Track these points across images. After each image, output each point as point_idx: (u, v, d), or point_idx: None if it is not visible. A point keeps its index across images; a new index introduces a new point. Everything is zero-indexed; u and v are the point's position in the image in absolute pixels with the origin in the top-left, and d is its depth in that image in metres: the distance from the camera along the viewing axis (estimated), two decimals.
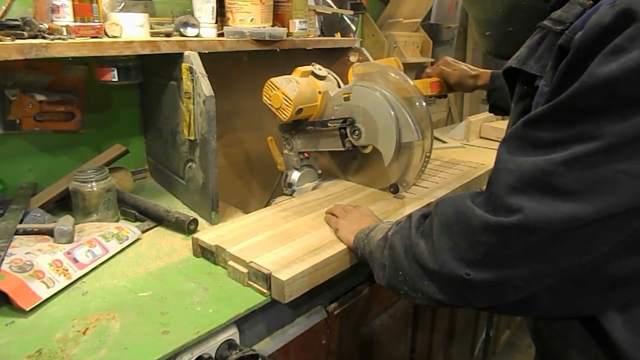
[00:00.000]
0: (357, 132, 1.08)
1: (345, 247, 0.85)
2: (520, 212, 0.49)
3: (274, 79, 1.11)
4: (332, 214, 0.95)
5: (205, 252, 0.90)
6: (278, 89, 1.09)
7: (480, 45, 0.79)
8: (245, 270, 0.80)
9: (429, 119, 1.02)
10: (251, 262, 0.79)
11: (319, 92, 1.13)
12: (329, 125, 1.12)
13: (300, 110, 1.11)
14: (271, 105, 1.12)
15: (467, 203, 0.56)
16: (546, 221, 0.48)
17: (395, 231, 0.70)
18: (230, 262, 0.83)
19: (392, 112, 1.02)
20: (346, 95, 1.11)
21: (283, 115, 1.11)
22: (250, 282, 0.80)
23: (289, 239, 0.89)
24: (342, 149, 1.13)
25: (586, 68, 0.46)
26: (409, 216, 0.70)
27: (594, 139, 0.46)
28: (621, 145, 0.44)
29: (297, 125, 1.18)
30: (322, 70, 1.17)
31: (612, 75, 0.44)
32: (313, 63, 1.18)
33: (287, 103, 1.09)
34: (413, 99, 1.02)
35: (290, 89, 1.09)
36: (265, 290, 0.77)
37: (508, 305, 0.55)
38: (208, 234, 0.91)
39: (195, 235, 0.91)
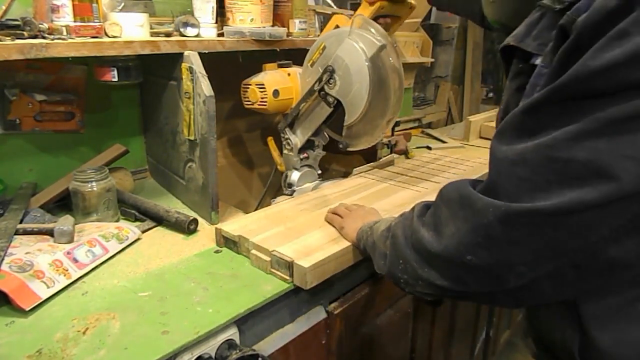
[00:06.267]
0: (332, 81, 1.03)
1: None
2: (524, 198, 0.49)
3: (243, 81, 1.17)
4: (336, 214, 0.95)
5: (229, 242, 0.93)
6: (250, 84, 1.16)
7: (486, 13, 0.83)
8: (267, 259, 0.83)
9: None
10: (274, 250, 0.83)
11: (288, 74, 1.18)
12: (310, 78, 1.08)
13: (277, 92, 1.13)
14: (251, 102, 1.16)
15: (470, 189, 0.56)
16: (551, 207, 0.47)
17: (398, 221, 0.71)
18: (254, 251, 0.86)
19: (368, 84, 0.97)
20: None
21: (265, 103, 1.13)
22: (272, 270, 0.83)
23: (308, 229, 0.93)
24: (330, 109, 1.08)
25: (588, 51, 0.46)
26: (413, 207, 0.70)
27: (595, 123, 0.45)
28: (623, 129, 0.44)
29: (290, 118, 1.18)
30: (285, 62, 1.22)
31: (616, 59, 0.43)
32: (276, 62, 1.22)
33: (261, 89, 1.13)
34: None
35: (260, 77, 1.15)
36: (287, 277, 0.81)
37: (509, 292, 0.55)
38: (231, 224, 0.95)
39: (218, 226, 0.94)
